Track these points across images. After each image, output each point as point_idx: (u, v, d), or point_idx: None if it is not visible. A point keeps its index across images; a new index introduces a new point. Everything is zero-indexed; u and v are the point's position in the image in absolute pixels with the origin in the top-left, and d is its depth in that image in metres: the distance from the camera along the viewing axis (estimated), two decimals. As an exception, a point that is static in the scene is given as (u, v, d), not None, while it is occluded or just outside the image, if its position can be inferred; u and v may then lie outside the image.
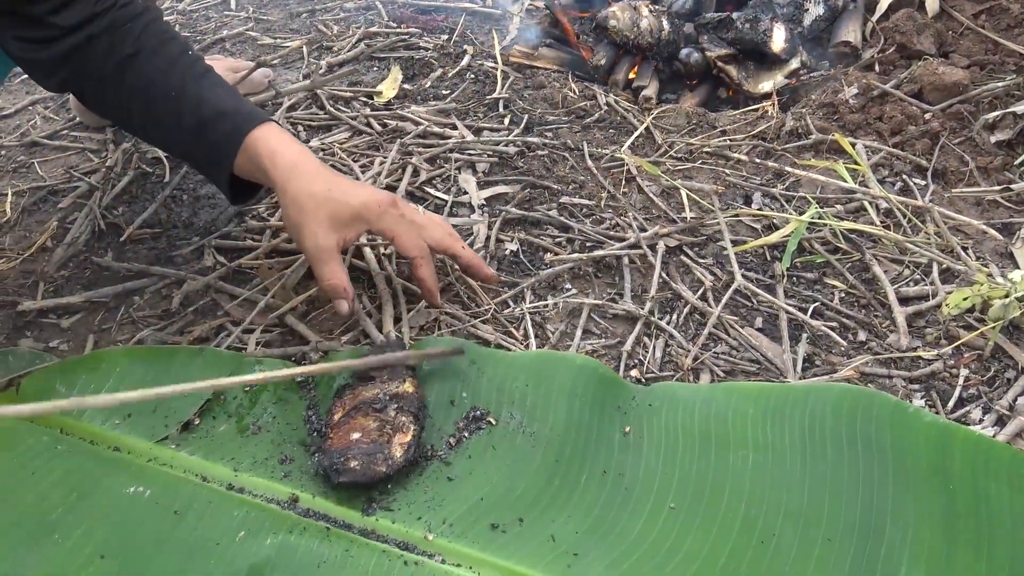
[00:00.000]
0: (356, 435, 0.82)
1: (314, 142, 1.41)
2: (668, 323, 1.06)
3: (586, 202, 1.27)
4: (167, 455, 0.85)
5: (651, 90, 1.59)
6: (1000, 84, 1.39)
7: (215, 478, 0.83)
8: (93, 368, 0.94)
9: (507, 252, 1.17)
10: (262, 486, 0.82)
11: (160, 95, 0.99)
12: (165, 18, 1.06)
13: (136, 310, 1.10)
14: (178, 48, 1.02)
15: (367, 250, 1.14)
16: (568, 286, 1.12)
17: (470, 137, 1.42)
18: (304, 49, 1.74)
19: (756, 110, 1.52)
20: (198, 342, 1.03)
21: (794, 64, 1.58)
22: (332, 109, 1.50)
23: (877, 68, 1.53)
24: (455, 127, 1.45)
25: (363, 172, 1.31)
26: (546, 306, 1.08)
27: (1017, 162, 1.28)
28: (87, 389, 0.92)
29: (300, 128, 1.47)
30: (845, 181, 1.25)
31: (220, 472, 0.83)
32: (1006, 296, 1.00)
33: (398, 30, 1.78)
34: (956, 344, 1.01)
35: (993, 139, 1.33)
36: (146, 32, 1.00)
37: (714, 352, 1.02)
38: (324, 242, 0.93)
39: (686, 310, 1.08)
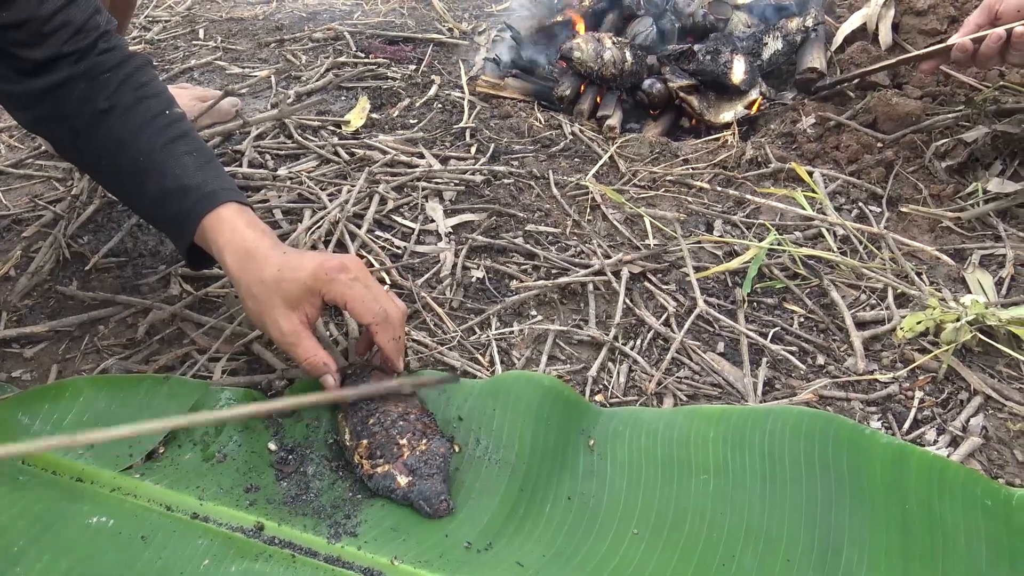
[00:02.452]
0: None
1: (282, 170, 1.42)
2: (632, 348, 1.07)
3: (551, 230, 1.28)
4: (131, 484, 0.84)
5: (615, 120, 1.62)
6: (951, 114, 1.44)
7: (180, 507, 0.82)
8: (56, 398, 0.93)
9: (473, 279, 1.18)
10: (227, 514, 0.82)
11: (128, 157, 0.96)
12: (150, 66, 1.02)
13: (101, 339, 1.09)
14: (155, 107, 0.98)
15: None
16: (534, 312, 1.14)
17: (437, 166, 1.43)
18: (272, 78, 1.76)
19: (717, 139, 1.55)
20: (164, 371, 1.03)
21: (754, 95, 1.62)
22: (300, 138, 1.51)
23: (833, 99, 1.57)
24: (422, 156, 1.47)
25: (331, 200, 1.32)
26: (512, 332, 1.10)
27: (968, 190, 1.33)
28: (50, 419, 0.91)
29: (268, 157, 1.47)
30: (803, 208, 1.28)
31: (185, 501, 0.83)
32: (958, 320, 1.03)
33: (366, 60, 1.80)
34: (911, 367, 1.03)
35: (943, 165, 1.37)
36: (124, 86, 0.97)
37: (677, 377, 1.03)
38: (287, 326, 0.89)
39: (650, 335, 1.10)
